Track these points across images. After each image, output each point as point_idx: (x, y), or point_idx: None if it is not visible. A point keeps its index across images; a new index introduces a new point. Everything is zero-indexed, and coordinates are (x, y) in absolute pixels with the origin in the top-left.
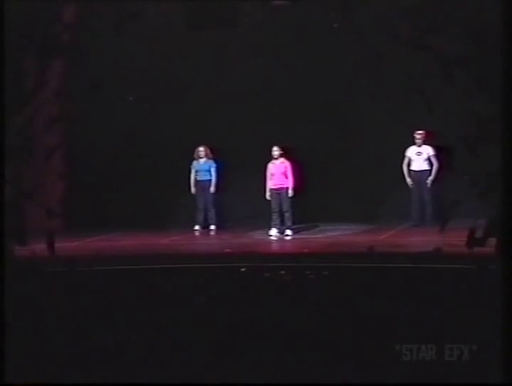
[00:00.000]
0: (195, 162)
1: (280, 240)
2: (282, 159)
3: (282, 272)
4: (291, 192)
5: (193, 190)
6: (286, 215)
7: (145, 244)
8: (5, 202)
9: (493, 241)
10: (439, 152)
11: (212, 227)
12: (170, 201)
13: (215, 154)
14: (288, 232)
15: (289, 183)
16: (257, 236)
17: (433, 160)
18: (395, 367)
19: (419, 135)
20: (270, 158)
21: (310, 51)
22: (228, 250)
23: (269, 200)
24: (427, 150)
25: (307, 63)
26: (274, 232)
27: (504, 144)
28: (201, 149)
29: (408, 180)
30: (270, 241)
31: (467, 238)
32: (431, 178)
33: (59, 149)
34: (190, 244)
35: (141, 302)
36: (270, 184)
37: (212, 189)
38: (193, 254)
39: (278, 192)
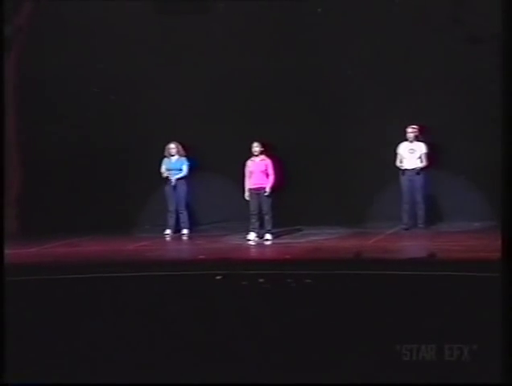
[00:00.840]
0: (166, 160)
1: (259, 245)
2: (262, 156)
3: (261, 280)
4: (268, 191)
5: (164, 175)
6: (266, 217)
7: (109, 250)
8: None
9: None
10: (434, 149)
11: (185, 231)
12: (138, 203)
13: (188, 152)
14: (268, 236)
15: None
16: (233, 240)
17: (423, 158)
18: (395, 367)
19: (411, 130)
20: (250, 154)
21: (291, 39)
22: (202, 256)
23: (247, 201)
24: (421, 148)
25: (289, 53)
26: (252, 236)
27: (504, 143)
28: (172, 146)
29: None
30: (249, 246)
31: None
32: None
33: (15, 145)
34: (160, 250)
35: (104, 314)
36: (249, 183)
37: (173, 181)
38: (163, 261)
39: (258, 192)
